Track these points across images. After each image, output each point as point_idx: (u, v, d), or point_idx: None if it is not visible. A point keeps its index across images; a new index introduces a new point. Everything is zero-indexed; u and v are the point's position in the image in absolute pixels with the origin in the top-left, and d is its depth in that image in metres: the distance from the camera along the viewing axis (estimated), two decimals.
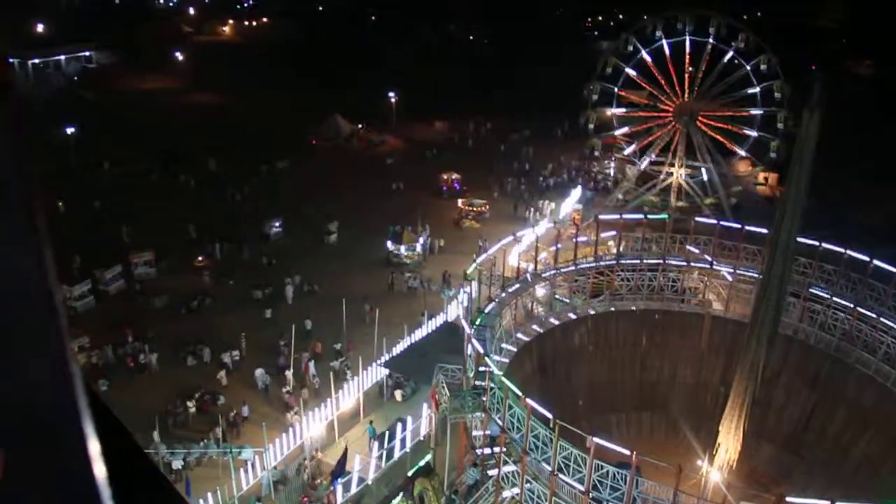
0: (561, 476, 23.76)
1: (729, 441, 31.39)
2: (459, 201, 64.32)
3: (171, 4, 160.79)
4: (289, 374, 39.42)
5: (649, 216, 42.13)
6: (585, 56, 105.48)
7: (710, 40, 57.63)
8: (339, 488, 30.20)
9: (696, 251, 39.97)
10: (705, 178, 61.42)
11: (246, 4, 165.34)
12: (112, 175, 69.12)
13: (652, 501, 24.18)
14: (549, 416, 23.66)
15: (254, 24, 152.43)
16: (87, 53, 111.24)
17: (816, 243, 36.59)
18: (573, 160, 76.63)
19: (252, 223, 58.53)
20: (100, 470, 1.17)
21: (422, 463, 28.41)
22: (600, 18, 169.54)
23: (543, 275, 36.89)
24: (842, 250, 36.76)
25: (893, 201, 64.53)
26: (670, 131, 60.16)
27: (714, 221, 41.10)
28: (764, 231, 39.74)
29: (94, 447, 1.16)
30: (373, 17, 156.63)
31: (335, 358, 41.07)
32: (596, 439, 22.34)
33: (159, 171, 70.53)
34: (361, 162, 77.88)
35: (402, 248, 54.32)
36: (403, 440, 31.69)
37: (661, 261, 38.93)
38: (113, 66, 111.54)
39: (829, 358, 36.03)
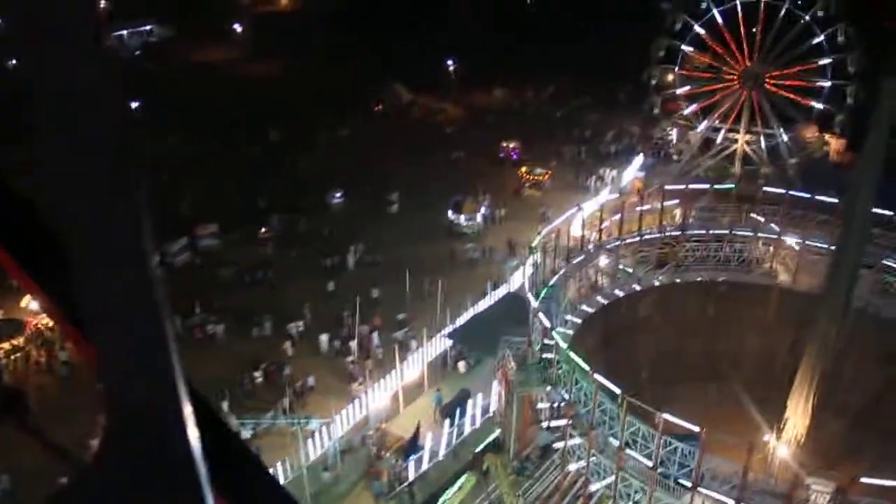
0: (628, 451, 23.69)
1: (797, 415, 30.95)
2: (521, 170, 63.82)
3: None
4: (353, 344, 39.86)
5: (716, 186, 41.26)
6: (648, 16, 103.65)
7: (787, 4, 55.58)
8: (412, 465, 30.51)
9: (761, 219, 39.11)
10: (769, 144, 59.78)
11: None
12: (176, 148, 70.00)
13: (720, 477, 23.98)
14: (618, 391, 23.54)
15: None
16: (147, 27, 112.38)
17: (890, 213, 35.53)
18: (635, 126, 75.26)
19: (313, 193, 58.95)
20: (196, 446, 1.19)
21: (490, 439, 28.57)
22: None
23: (608, 246, 36.51)
24: None
25: None
26: (734, 95, 58.72)
27: (782, 191, 40.09)
28: (833, 200, 38.85)
29: (190, 424, 1.18)
30: None
31: (399, 328, 41.39)
32: (665, 415, 22.18)
33: (223, 144, 71.25)
34: (421, 130, 77.66)
35: (463, 218, 54.25)
36: (473, 417, 31.79)
37: (727, 231, 38.23)
38: (173, 40, 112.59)
39: None
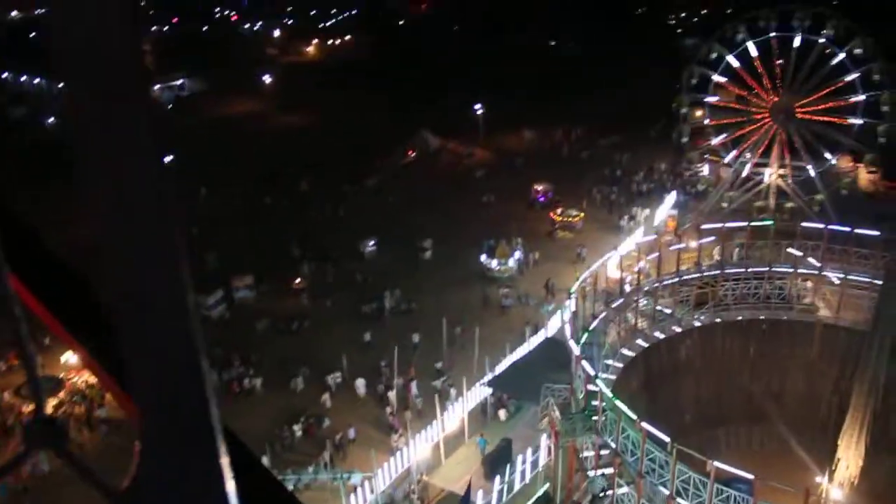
0: (679, 500, 23.20)
1: (849, 456, 30.29)
2: (553, 213, 63.65)
3: (256, 28, 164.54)
4: (391, 395, 39.64)
5: (753, 223, 40.83)
6: (672, 54, 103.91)
7: (798, 33, 55.49)
8: None
9: (800, 254, 38.59)
10: (805, 176, 59.14)
11: (329, 23, 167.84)
12: (208, 200, 70.66)
13: None
14: (666, 439, 23.13)
15: (337, 42, 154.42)
16: (178, 82, 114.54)
17: None
18: (666, 164, 74.90)
19: (346, 242, 59.12)
20: (228, 477, 1.18)
21: (540, 492, 28.14)
22: (683, 15, 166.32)
23: (646, 288, 36.20)
24: None
25: None
26: (767, 132, 58.39)
27: (821, 225, 39.56)
28: (874, 233, 38.33)
29: (228, 480, 1.18)
30: (455, 27, 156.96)
31: (437, 377, 41.15)
32: (716, 463, 21.72)
33: (253, 195, 71.89)
34: (451, 176, 77.89)
35: (495, 263, 54.07)
36: (523, 472, 31.28)
37: (766, 268, 37.79)
38: (204, 93, 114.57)
39: None
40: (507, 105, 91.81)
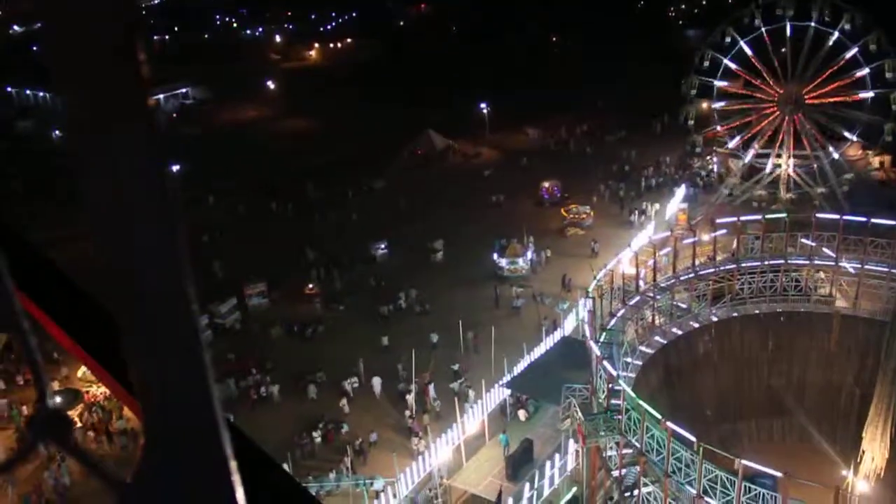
0: (707, 499, 23.06)
1: (874, 448, 30.13)
2: (563, 209, 63.49)
3: (257, 34, 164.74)
4: (409, 398, 39.55)
5: (767, 217, 40.64)
6: (674, 47, 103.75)
7: (813, 23, 55.25)
8: None
9: (813, 244, 38.37)
10: (815, 166, 58.91)
11: (329, 27, 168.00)
12: (215, 208, 70.66)
13: None
14: (692, 438, 23.00)
15: (338, 45, 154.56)
16: (183, 90, 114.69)
17: None
18: (674, 157, 74.75)
19: (357, 246, 59.03)
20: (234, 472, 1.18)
21: (568, 496, 28.03)
22: (683, 7, 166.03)
23: (662, 284, 36.06)
24: None
25: None
26: (775, 121, 58.20)
27: (836, 216, 39.32)
28: (890, 223, 38.11)
29: (237, 485, 1.17)
30: (454, 28, 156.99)
31: (454, 379, 41.06)
32: (744, 461, 21.59)
33: (261, 202, 71.86)
34: (458, 176, 77.80)
35: (505, 262, 53.88)
36: (552, 478, 31.10)
37: (782, 261, 37.60)
38: (208, 101, 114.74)
39: None
40: (509, 103, 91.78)
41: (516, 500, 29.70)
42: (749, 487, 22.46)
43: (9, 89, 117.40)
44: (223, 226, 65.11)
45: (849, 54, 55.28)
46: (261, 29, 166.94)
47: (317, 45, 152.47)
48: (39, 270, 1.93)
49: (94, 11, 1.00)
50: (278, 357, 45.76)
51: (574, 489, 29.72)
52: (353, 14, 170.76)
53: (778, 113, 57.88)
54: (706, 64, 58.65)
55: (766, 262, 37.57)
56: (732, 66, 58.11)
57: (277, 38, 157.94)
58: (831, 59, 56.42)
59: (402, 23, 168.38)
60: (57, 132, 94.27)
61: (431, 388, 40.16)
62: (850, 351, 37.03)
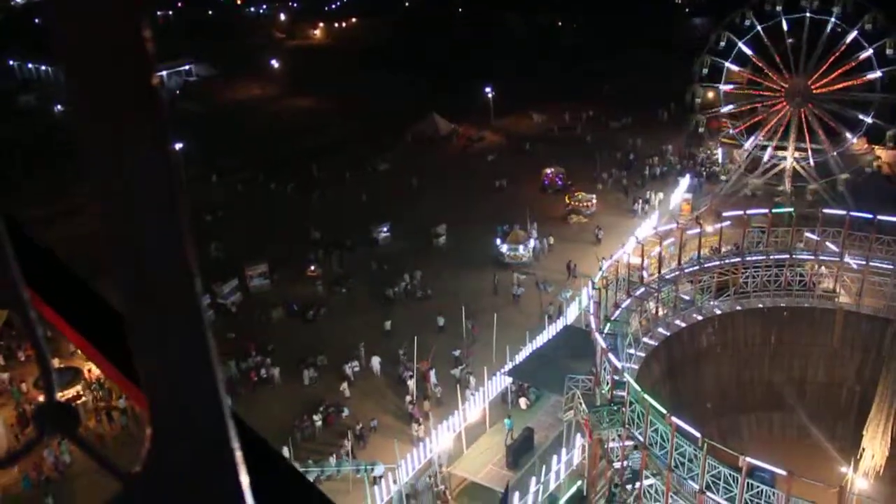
0: (709, 495, 23.08)
1: (875, 446, 30.13)
2: (566, 196, 63.26)
3: (261, 12, 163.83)
4: (410, 384, 39.51)
5: (773, 211, 40.47)
6: (681, 35, 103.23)
7: (833, 19, 54.66)
8: None
9: (817, 239, 38.24)
10: (818, 160, 58.47)
11: (334, 6, 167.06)
12: (218, 187, 70.39)
13: None
14: (697, 434, 22.97)
15: (343, 25, 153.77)
16: (186, 67, 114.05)
17: None
18: (676, 146, 74.31)
19: (359, 228, 58.78)
20: (240, 465, 1.18)
21: (573, 490, 28.03)
22: None
23: (667, 276, 35.96)
24: None
25: None
26: (780, 111, 57.82)
27: (843, 212, 39.15)
28: (894, 219, 37.92)
29: (241, 472, 1.18)
30: (459, 9, 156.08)
31: (455, 366, 41.02)
32: (748, 458, 21.57)
33: (263, 181, 71.62)
34: (462, 160, 77.52)
35: (507, 248, 53.70)
36: (558, 473, 31.11)
37: (787, 255, 37.49)
38: (211, 78, 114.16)
39: None
40: (513, 87, 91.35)
41: (521, 491, 29.74)
42: (751, 484, 22.47)
43: (10, 62, 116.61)
44: (225, 205, 64.92)
45: (849, 38, 54.73)
46: (265, 6, 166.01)
47: (321, 24, 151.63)
48: (40, 261, 1.95)
49: None
50: (279, 339, 45.67)
51: (578, 483, 29.73)
52: None
53: (786, 106, 57.45)
54: (722, 44, 58.00)
55: (771, 256, 37.45)
56: (748, 50, 57.33)
57: (282, 17, 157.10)
58: (832, 46, 55.86)
59: (406, 3, 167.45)
60: (59, 106, 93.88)
61: (432, 374, 40.12)
62: (852, 347, 36.99)
